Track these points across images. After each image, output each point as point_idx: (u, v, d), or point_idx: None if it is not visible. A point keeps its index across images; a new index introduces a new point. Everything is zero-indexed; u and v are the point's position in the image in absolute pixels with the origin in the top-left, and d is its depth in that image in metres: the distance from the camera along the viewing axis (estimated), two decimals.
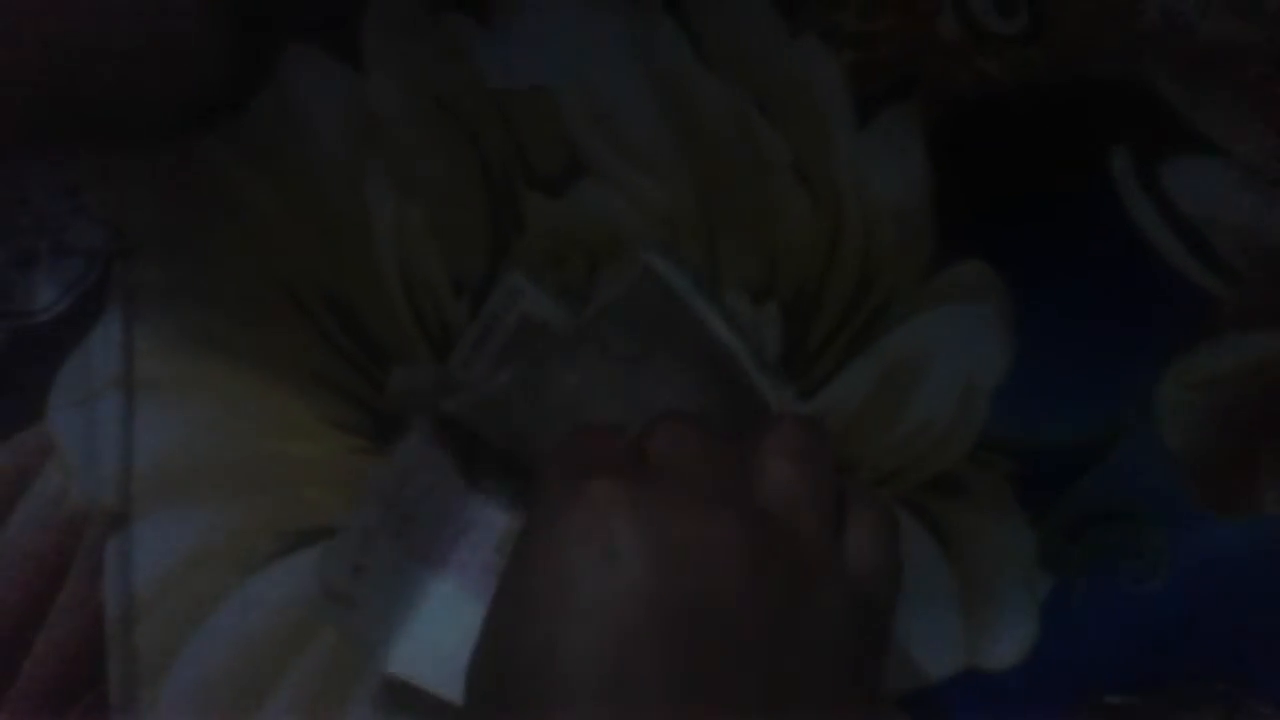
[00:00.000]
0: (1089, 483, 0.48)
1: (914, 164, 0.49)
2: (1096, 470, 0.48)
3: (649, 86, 0.49)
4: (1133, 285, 0.49)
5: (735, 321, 0.47)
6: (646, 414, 0.41)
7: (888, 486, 0.47)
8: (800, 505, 0.36)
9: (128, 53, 0.45)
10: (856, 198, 0.49)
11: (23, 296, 0.46)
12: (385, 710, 0.45)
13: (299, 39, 0.48)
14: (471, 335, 0.46)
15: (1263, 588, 0.47)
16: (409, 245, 0.48)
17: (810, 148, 0.49)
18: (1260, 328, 0.48)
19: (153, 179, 0.48)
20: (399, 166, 0.48)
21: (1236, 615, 0.47)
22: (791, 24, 0.49)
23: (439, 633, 0.44)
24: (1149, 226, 0.49)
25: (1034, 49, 0.50)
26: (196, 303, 0.47)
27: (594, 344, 0.46)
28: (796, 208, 0.49)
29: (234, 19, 0.47)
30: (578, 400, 0.46)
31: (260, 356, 0.47)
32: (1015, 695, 0.46)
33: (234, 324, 0.47)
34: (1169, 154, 0.50)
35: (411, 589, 0.45)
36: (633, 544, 0.33)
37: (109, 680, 0.44)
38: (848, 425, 0.47)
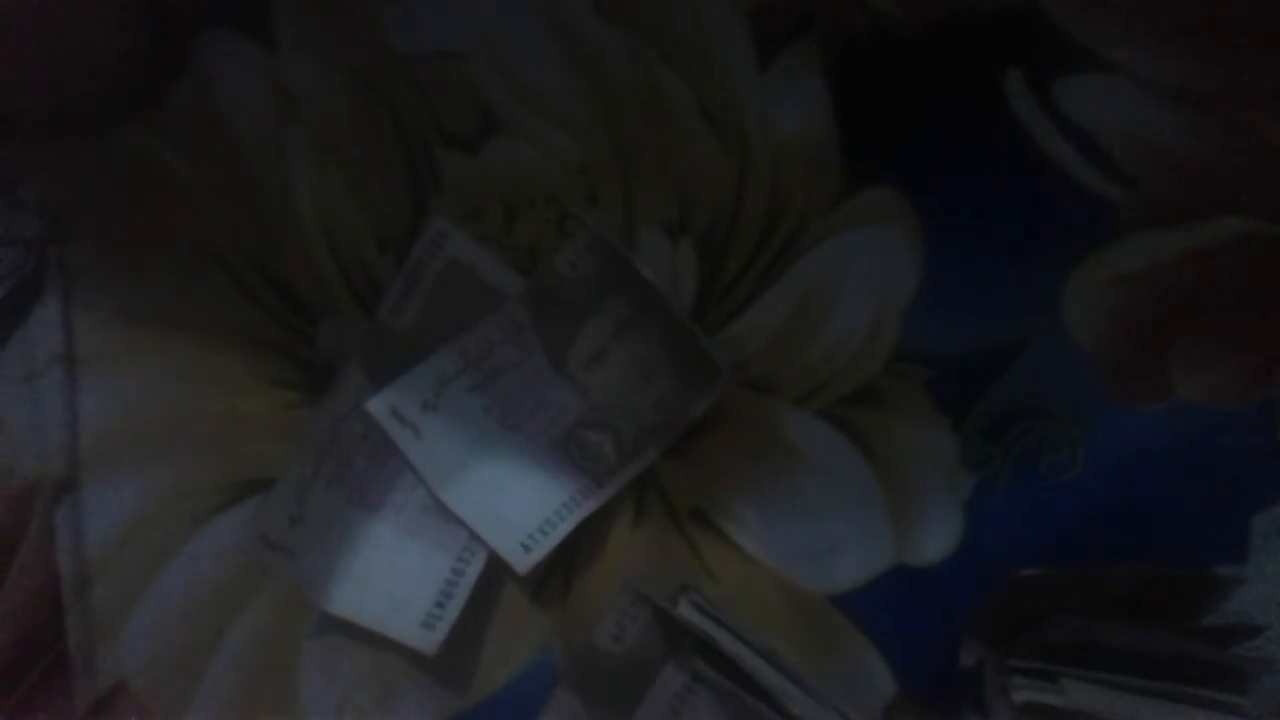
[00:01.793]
0: (1005, 385, 0.49)
1: (816, 100, 0.51)
2: (1011, 372, 0.49)
3: (553, 42, 0.51)
4: (1034, 197, 0.50)
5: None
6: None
7: (810, 403, 0.49)
8: None
9: (43, 51, 0.47)
10: (762, 135, 0.51)
11: None
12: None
13: (211, 24, 0.50)
14: (400, 283, 0.48)
15: (1176, 473, 0.48)
16: (331, 209, 0.50)
17: (714, 91, 0.51)
18: (1158, 228, 0.50)
19: (83, 168, 0.50)
20: (316, 136, 0.50)
21: (1152, 499, 0.48)
22: None
23: (379, 573, 0.46)
24: (1046, 141, 0.51)
25: None
26: (131, 279, 0.49)
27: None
28: (704, 148, 0.51)
29: (145, 8, 0.50)
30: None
31: (194, 323, 0.49)
32: (943, 586, 0.47)
33: (167, 295, 0.49)
34: (1061, 72, 0.51)
35: (350, 533, 0.46)
36: None
37: (68, 639, 0.45)
38: (767, 348, 0.49)
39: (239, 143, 0.50)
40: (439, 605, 0.45)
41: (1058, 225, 0.50)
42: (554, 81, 0.51)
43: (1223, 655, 0.45)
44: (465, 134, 0.50)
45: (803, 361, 0.49)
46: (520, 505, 0.46)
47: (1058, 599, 0.45)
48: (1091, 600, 0.45)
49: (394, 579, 0.45)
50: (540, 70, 0.51)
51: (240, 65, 0.50)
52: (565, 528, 0.46)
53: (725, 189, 0.50)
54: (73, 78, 0.49)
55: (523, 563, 0.45)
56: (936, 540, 0.47)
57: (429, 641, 0.45)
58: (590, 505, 0.46)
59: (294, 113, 0.50)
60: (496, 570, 0.46)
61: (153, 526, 0.47)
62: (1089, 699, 0.42)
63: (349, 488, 0.46)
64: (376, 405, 0.46)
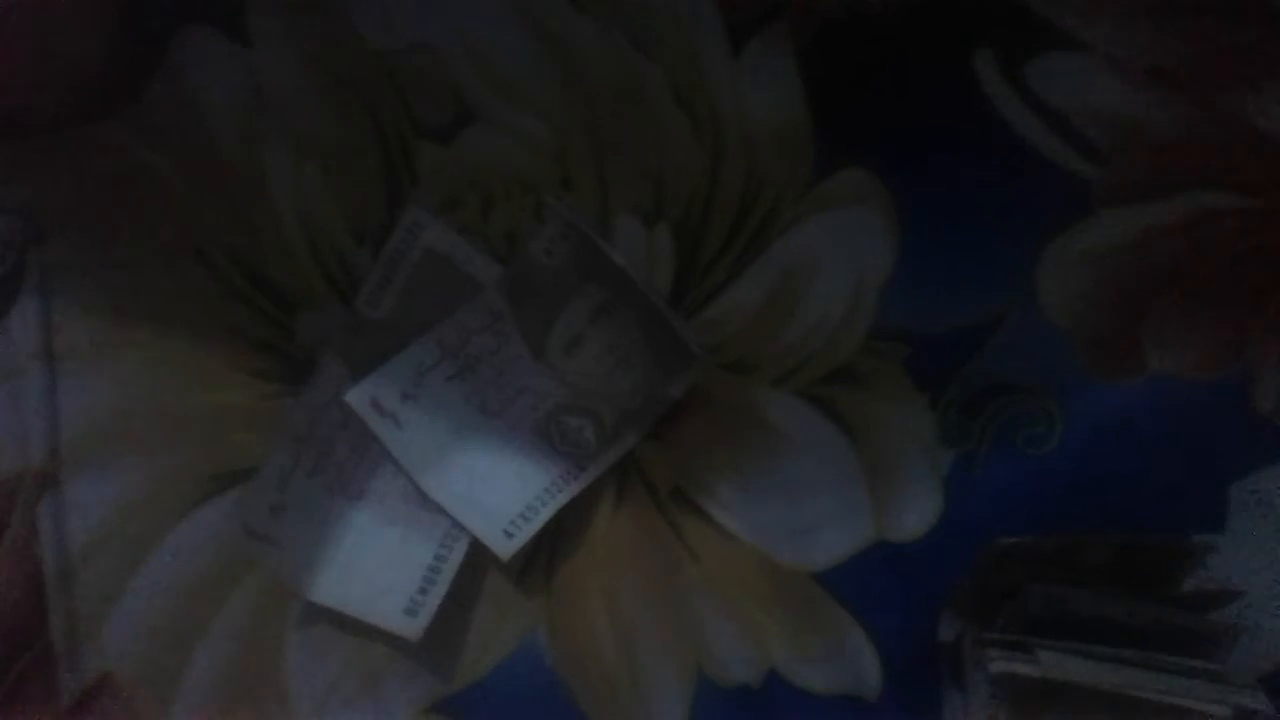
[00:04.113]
0: (982, 361, 0.49)
1: (789, 83, 0.51)
2: (988, 349, 0.49)
3: (525, 31, 0.52)
4: (1007, 176, 0.51)
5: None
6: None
7: (788, 383, 0.49)
8: None
9: (19, 50, 0.48)
10: (736, 119, 0.51)
11: None
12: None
13: (187, 21, 0.51)
14: (377, 273, 0.49)
15: (1152, 444, 0.49)
16: (308, 202, 0.50)
17: (687, 76, 0.51)
18: (1130, 203, 0.50)
19: (60, 166, 0.50)
20: (293, 131, 0.50)
21: (1129, 471, 0.48)
22: None
23: (362, 561, 0.46)
24: (1018, 121, 0.51)
25: None
26: (110, 275, 0.50)
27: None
28: (678, 134, 0.51)
29: (121, 6, 0.50)
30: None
31: (174, 317, 0.49)
32: (923, 561, 0.47)
33: (147, 291, 0.49)
34: (1033, 52, 0.51)
35: (332, 521, 0.46)
36: None
37: (52, 633, 0.46)
38: (745, 330, 0.49)
39: (216, 138, 0.50)
40: (422, 592, 0.45)
41: (1031, 203, 0.50)
42: (527, 70, 0.51)
43: (1199, 622, 0.45)
44: (440, 125, 0.51)
45: (781, 342, 0.49)
46: (502, 492, 0.46)
47: (1035, 569, 0.45)
48: (1069, 570, 0.46)
49: (377, 567, 0.46)
50: (513, 59, 0.51)
51: (216, 62, 0.51)
52: (547, 513, 0.46)
53: (699, 173, 0.51)
54: (49, 76, 0.50)
55: (505, 549, 0.45)
56: (916, 516, 0.48)
57: (412, 628, 0.45)
58: (572, 490, 0.47)
59: (270, 108, 0.50)
60: (480, 557, 0.46)
61: (135, 519, 0.47)
62: (1065, 669, 0.42)
63: (330, 477, 0.46)
64: (356, 397, 0.46)
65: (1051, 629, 0.44)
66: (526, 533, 0.46)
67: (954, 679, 0.46)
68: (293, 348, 0.49)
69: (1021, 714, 0.43)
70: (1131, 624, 0.44)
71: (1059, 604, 0.44)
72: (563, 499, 0.46)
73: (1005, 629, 0.44)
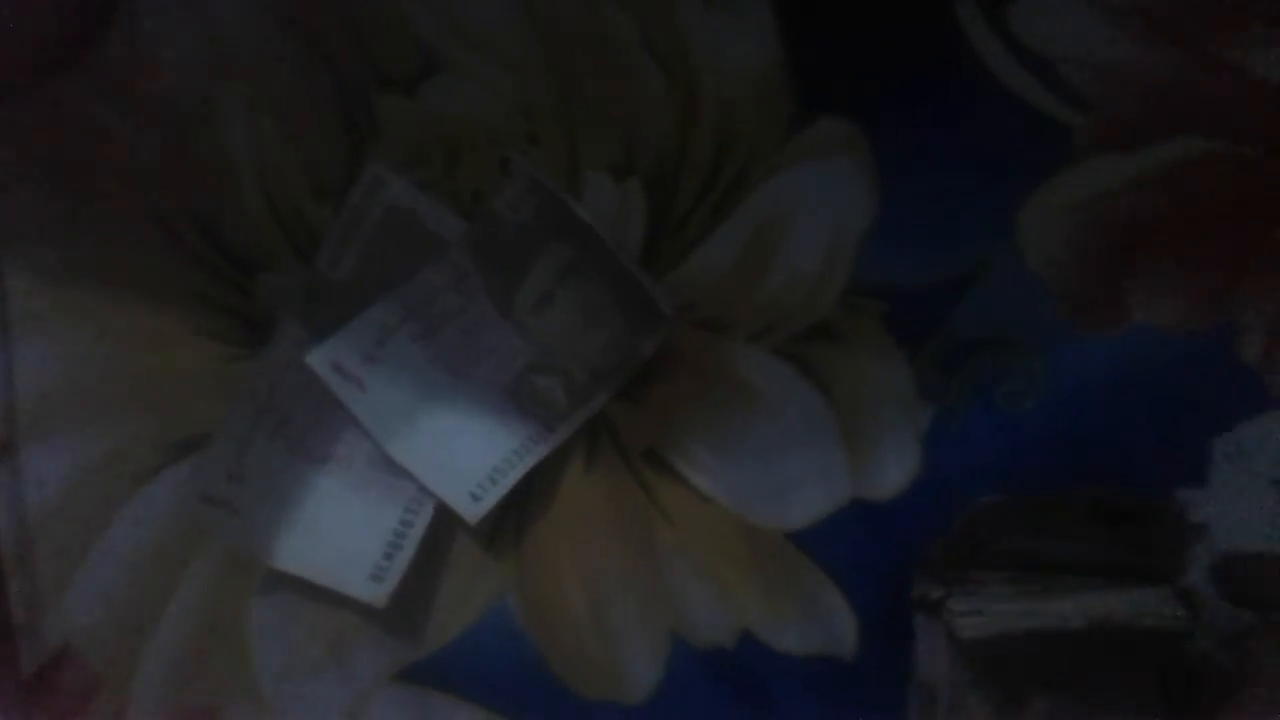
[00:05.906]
0: (961, 315, 0.49)
1: (764, 31, 0.50)
2: (968, 303, 0.48)
3: None
4: (989, 124, 0.50)
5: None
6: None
7: (764, 341, 0.48)
8: None
9: None
10: (709, 70, 0.50)
11: None
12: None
13: None
14: (336, 232, 0.47)
15: (1134, 398, 0.48)
16: (265, 157, 0.49)
17: (658, 26, 0.50)
18: (1114, 151, 0.49)
19: (10, 125, 0.48)
20: (249, 82, 0.49)
21: (1111, 425, 0.48)
22: None
23: (326, 527, 0.45)
24: (1000, 67, 0.50)
25: None
26: (66, 237, 0.48)
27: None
28: (649, 86, 0.50)
29: None
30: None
31: (130, 280, 0.48)
32: (901, 520, 0.47)
33: (103, 253, 0.48)
34: None
35: (294, 487, 0.45)
36: None
37: (10, 604, 0.45)
38: (719, 286, 0.48)
39: (170, 92, 0.49)
40: (387, 558, 0.45)
41: (1013, 152, 0.49)
42: (494, 18, 0.50)
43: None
44: (402, 75, 0.49)
45: (756, 299, 0.48)
46: (469, 454, 0.45)
47: (1012, 527, 0.45)
48: (1047, 527, 0.45)
49: (341, 532, 0.45)
50: (480, 6, 0.49)
51: (170, 11, 0.49)
52: (515, 475, 0.45)
53: (672, 125, 0.50)
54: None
55: (472, 512, 0.44)
56: (893, 473, 0.47)
57: (377, 594, 0.44)
58: (541, 451, 0.46)
59: (225, 59, 0.49)
60: (447, 521, 0.46)
61: (93, 487, 0.46)
62: (1028, 617, 0.42)
63: (291, 441, 0.46)
64: (316, 359, 0.45)
65: (1020, 580, 0.43)
66: (494, 496, 0.45)
67: (927, 638, 0.45)
68: (252, 310, 0.48)
69: (991, 670, 0.43)
70: (1090, 557, 0.43)
71: (1023, 555, 0.44)
72: (531, 461, 0.46)
73: (974, 586, 0.44)
